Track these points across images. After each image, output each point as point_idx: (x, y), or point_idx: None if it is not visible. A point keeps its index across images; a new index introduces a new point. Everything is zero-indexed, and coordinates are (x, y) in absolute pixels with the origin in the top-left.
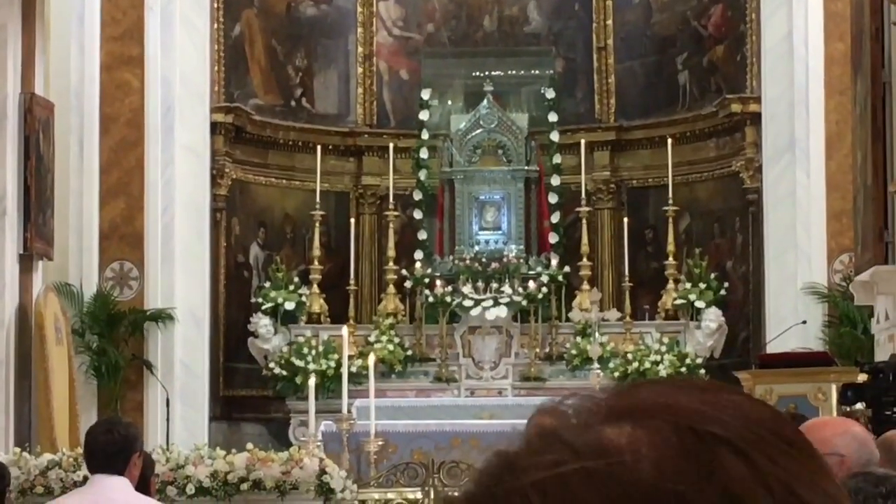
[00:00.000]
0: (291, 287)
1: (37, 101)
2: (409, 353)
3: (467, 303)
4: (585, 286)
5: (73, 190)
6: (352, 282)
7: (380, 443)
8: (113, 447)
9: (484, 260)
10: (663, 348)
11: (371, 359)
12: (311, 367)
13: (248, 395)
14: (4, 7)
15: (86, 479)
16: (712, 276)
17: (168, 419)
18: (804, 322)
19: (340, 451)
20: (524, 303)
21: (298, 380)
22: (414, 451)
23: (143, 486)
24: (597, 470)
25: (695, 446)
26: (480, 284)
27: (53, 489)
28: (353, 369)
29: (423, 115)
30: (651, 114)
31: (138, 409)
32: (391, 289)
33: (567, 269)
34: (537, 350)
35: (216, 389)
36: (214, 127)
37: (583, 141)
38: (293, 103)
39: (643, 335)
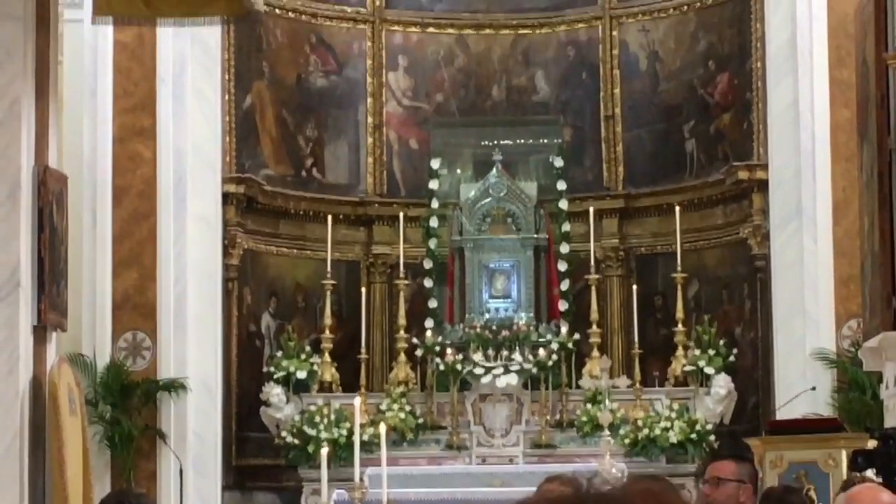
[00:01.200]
0: (303, 356)
1: (50, 174)
2: (421, 421)
3: (478, 370)
4: (595, 353)
5: (86, 261)
6: (363, 350)
7: None
8: None
9: (494, 327)
10: (673, 415)
11: (383, 427)
12: (323, 435)
13: (261, 464)
14: (18, 81)
15: None
16: (721, 342)
17: (181, 489)
18: (813, 388)
19: None
20: (534, 370)
21: (310, 448)
22: None
23: None
24: None
25: None
26: (491, 352)
27: None
28: (365, 438)
29: (433, 184)
30: (659, 181)
31: (151, 478)
32: (402, 357)
33: (577, 336)
34: (548, 417)
35: (229, 458)
36: (226, 197)
37: (591, 209)
38: (304, 173)
39: (653, 402)
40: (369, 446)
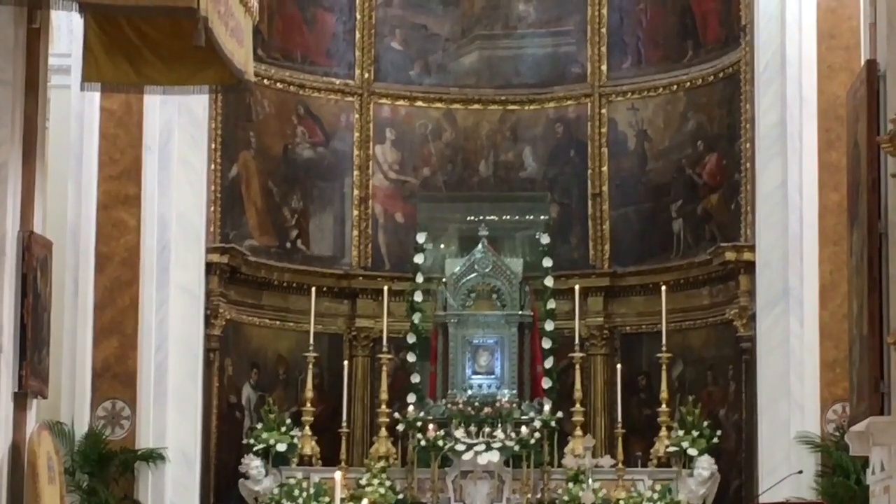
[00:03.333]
0: (283, 428)
1: (35, 240)
2: (401, 496)
3: (459, 447)
4: (578, 432)
5: (67, 328)
6: (344, 424)
7: None
8: None
9: (477, 404)
10: (655, 496)
11: (363, 502)
12: None
13: None
14: (6, 145)
15: None
16: (705, 423)
17: None
18: (800, 472)
19: None
20: (516, 448)
21: None
22: None
23: None
24: None
25: None
26: (473, 429)
27: None
28: None
29: (418, 259)
30: (645, 260)
31: None
32: (383, 432)
33: (560, 414)
34: (529, 496)
35: None
36: (209, 267)
37: (577, 286)
38: (288, 245)
39: (635, 482)
40: None
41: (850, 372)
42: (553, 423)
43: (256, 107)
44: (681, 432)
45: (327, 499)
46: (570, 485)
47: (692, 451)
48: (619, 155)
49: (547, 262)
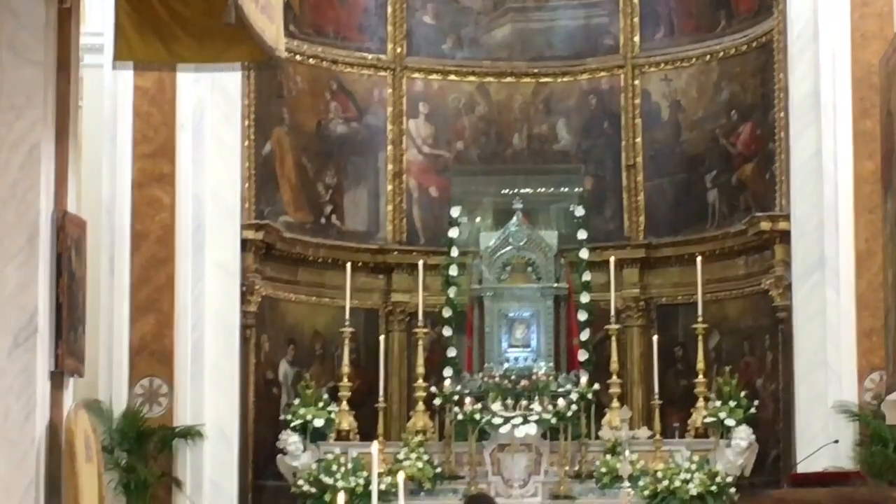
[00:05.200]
0: (320, 404)
1: (69, 219)
2: (439, 470)
3: (496, 420)
4: (615, 404)
5: (104, 306)
6: (381, 399)
7: None
8: None
9: (513, 377)
10: (693, 467)
11: (400, 476)
12: (340, 484)
13: None
14: (38, 126)
15: None
16: (742, 394)
17: None
18: (836, 441)
19: None
20: (553, 420)
21: (327, 497)
22: None
23: None
24: None
25: None
26: (510, 402)
27: None
28: (383, 487)
29: (453, 233)
30: (680, 231)
31: None
32: (420, 406)
33: (596, 386)
34: (567, 468)
35: None
36: (245, 244)
37: (612, 258)
38: (323, 220)
39: (673, 453)
40: (387, 496)
41: (886, 341)
42: (590, 396)
43: (289, 83)
44: (718, 403)
45: (365, 473)
46: (608, 457)
47: (729, 422)
48: (652, 126)
49: (582, 235)
